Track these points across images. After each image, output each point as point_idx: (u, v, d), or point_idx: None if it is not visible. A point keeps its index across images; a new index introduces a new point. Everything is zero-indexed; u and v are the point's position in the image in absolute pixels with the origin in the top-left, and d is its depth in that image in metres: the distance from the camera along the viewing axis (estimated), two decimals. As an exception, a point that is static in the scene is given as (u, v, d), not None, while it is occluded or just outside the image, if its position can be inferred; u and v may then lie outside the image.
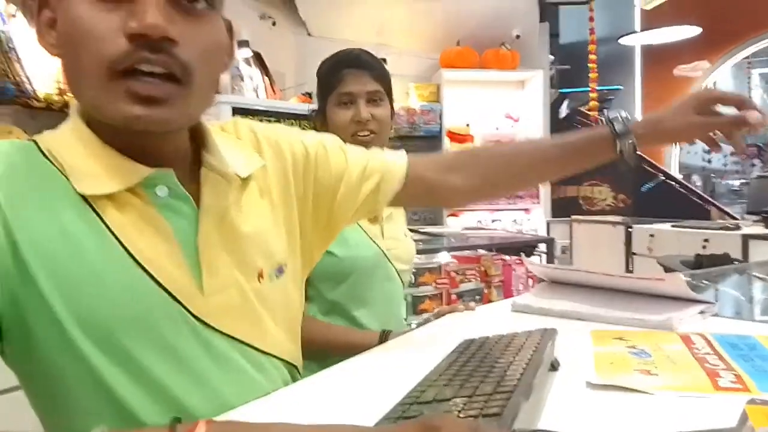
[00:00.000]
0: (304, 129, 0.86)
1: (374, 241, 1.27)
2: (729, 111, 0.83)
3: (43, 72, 2.16)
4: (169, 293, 0.61)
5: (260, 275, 0.71)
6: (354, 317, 1.24)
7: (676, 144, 1.00)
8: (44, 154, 0.62)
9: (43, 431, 0.66)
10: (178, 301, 0.62)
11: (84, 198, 0.60)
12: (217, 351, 0.65)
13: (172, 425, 0.42)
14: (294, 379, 0.77)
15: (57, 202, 0.59)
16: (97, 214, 0.59)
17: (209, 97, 0.65)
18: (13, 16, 2.13)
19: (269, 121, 2.79)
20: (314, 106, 1.39)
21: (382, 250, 1.28)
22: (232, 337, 0.66)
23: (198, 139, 0.71)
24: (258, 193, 0.75)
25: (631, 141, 0.84)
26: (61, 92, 2.19)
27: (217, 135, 0.73)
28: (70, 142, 0.63)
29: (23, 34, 2.14)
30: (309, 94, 3.80)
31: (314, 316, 1.23)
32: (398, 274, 1.33)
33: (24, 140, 0.64)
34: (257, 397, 0.68)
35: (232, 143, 0.74)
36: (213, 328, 0.64)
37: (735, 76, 6.60)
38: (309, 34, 4.35)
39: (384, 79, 1.33)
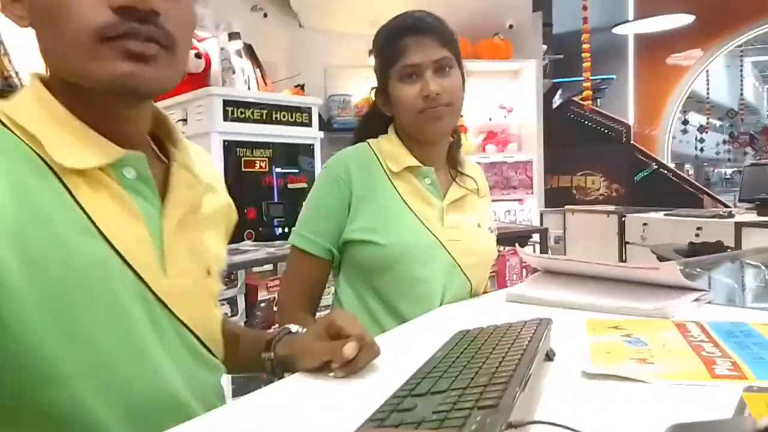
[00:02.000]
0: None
1: (429, 229, 1.14)
2: None
3: (31, 66, 2.14)
4: (134, 271, 0.61)
5: (208, 271, 0.73)
6: (402, 314, 1.11)
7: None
8: (2, 122, 0.60)
9: None
10: (142, 280, 0.62)
11: (51, 170, 0.59)
12: (169, 334, 0.65)
13: None
14: (218, 381, 0.77)
15: (21, 171, 0.57)
16: (66, 188, 0.59)
17: (184, 69, 0.67)
18: None
19: (261, 113, 2.77)
20: (373, 83, 1.24)
21: (439, 240, 1.14)
22: (183, 324, 0.67)
23: (162, 129, 0.73)
24: (209, 204, 0.77)
25: (269, 357, 0.81)
26: None
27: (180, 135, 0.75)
28: (37, 112, 0.61)
29: (10, 28, 2.11)
30: (301, 86, 3.78)
31: (363, 307, 1.16)
32: (463, 271, 1.17)
33: None
34: (197, 385, 0.68)
35: (193, 148, 0.76)
36: (169, 311, 0.65)
37: (728, 64, 6.60)
38: (301, 26, 4.32)
39: (451, 43, 1.16)
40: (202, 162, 0.77)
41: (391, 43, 1.14)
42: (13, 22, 0.62)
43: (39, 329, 0.55)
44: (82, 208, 0.59)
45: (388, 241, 1.10)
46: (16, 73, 2.10)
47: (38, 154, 0.59)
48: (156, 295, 0.63)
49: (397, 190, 1.16)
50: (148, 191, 0.66)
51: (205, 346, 0.70)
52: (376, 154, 1.19)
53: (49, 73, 0.65)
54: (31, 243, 0.55)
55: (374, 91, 1.24)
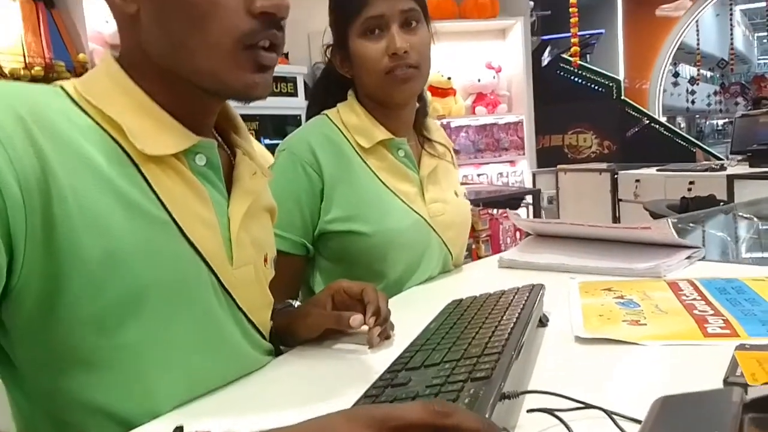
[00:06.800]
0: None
1: (412, 208, 1.05)
2: None
3: (7, 47, 2.09)
4: (206, 262, 0.62)
5: (265, 259, 0.73)
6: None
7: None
8: (76, 103, 0.59)
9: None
10: (213, 271, 0.62)
11: (128, 156, 0.58)
12: (229, 321, 0.65)
13: None
14: (268, 363, 0.76)
15: (100, 157, 0.56)
16: (142, 175, 0.59)
17: None
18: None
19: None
20: (327, 40, 1.10)
21: (423, 218, 1.06)
22: (244, 313, 0.67)
23: (224, 118, 0.73)
24: (267, 192, 0.79)
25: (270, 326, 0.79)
26: (28, 66, 2.12)
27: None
28: (116, 96, 0.60)
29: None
30: (285, 55, 3.71)
31: None
32: (446, 247, 1.11)
33: (48, 86, 0.60)
34: (250, 368, 0.69)
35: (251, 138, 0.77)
36: (232, 299, 0.65)
37: (717, 13, 6.52)
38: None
39: None
40: (260, 150, 0.77)
41: None
42: (117, 4, 0.60)
43: (116, 324, 0.56)
44: (158, 197, 0.59)
45: (373, 230, 0.99)
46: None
47: (115, 140, 0.58)
48: (222, 285, 0.64)
49: (371, 169, 1.04)
50: (215, 179, 0.66)
51: (258, 331, 0.71)
52: (339, 129, 1.06)
53: (127, 56, 0.63)
54: (116, 238, 0.55)
55: (329, 49, 1.10)
